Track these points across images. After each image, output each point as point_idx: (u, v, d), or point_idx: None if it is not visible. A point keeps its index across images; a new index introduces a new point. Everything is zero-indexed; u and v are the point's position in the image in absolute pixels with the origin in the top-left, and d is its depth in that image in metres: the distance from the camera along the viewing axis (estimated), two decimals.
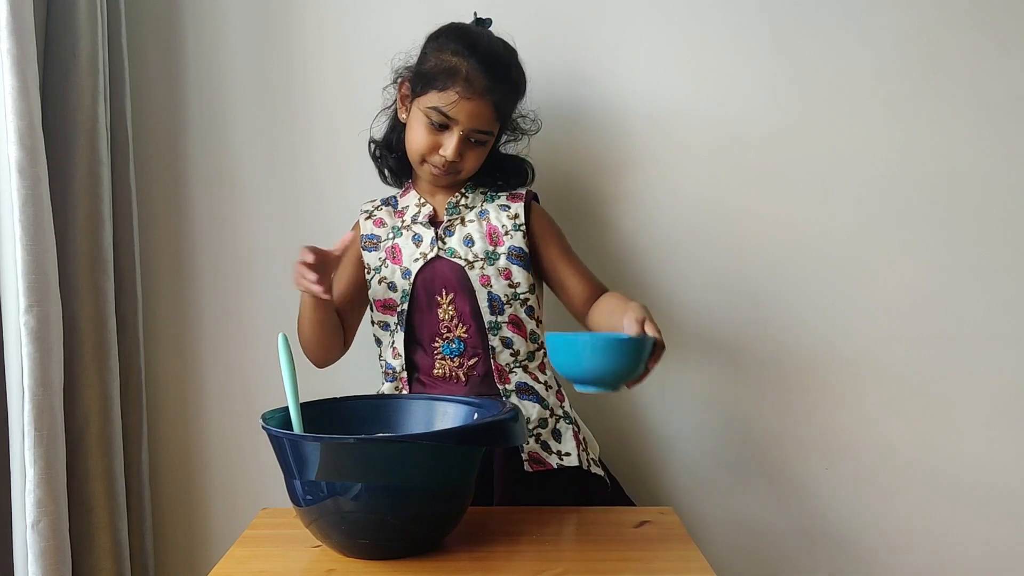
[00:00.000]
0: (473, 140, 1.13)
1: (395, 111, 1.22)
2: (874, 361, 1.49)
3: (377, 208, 1.25)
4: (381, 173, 1.28)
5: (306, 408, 0.97)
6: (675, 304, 1.49)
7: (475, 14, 1.21)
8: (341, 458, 0.84)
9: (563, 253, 1.21)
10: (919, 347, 1.49)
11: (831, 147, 1.47)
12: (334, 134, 1.47)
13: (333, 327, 1.18)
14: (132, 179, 1.41)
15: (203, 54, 1.47)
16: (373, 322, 1.21)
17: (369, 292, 1.21)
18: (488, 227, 1.17)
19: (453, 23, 1.19)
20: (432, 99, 1.11)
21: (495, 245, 1.16)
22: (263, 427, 0.90)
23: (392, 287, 1.17)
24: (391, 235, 1.20)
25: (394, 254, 1.18)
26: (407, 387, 1.18)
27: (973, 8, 1.45)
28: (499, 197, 1.21)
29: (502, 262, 1.15)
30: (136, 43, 1.45)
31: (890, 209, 1.47)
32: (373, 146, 1.27)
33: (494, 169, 1.23)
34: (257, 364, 1.49)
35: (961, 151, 1.47)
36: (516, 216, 1.17)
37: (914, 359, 1.49)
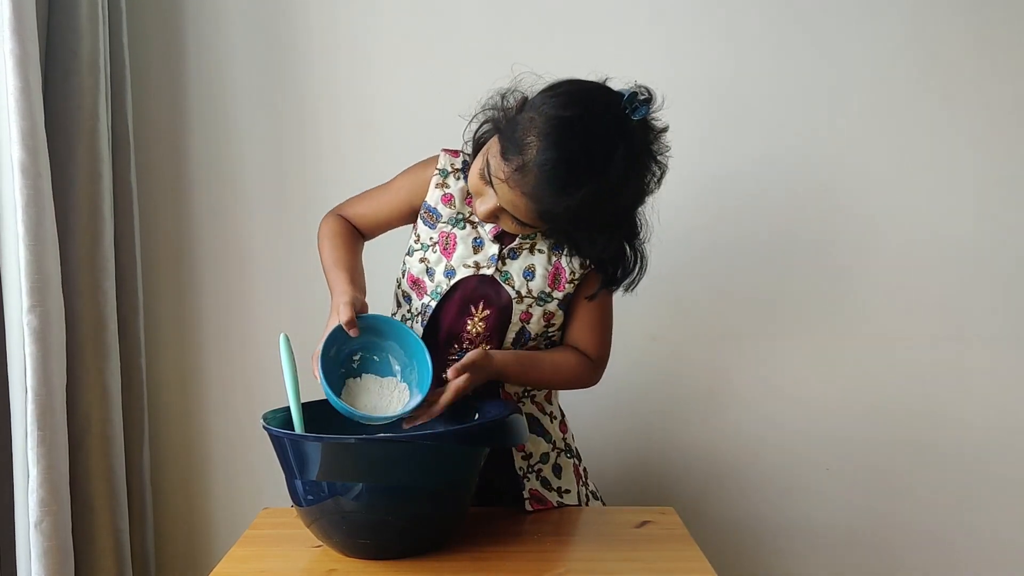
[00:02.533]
0: (513, 216, 0.97)
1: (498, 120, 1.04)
2: (875, 361, 1.49)
3: (454, 173, 1.09)
4: (474, 153, 1.08)
5: (307, 408, 0.97)
6: (675, 305, 1.49)
7: (635, 93, 0.94)
8: (342, 458, 0.85)
9: (587, 321, 1.10)
10: (920, 347, 1.49)
11: (831, 147, 1.47)
12: (335, 133, 1.47)
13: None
14: (133, 179, 1.41)
15: (204, 54, 1.47)
16: (399, 285, 1.14)
17: (405, 264, 1.12)
18: (556, 265, 1.06)
19: (581, 92, 0.95)
20: (494, 152, 0.95)
21: (553, 287, 1.06)
22: (264, 427, 0.90)
23: (430, 274, 1.08)
24: (452, 222, 1.08)
25: (447, 245, 1.07)
26: None
27: (973, 9, 1.45)
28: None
29: (552, 306, 1.06)
30: (137, 43, 1.45)
31: (892, 209, 1.47)
32: (479, 127, 1.06)
33: (575, 243, 1.06)
34: (258, 364, 1.49)
35: (963, 151, 1.47)
36: (589, 265, 1.06)
37: (916, 359, 1.49)
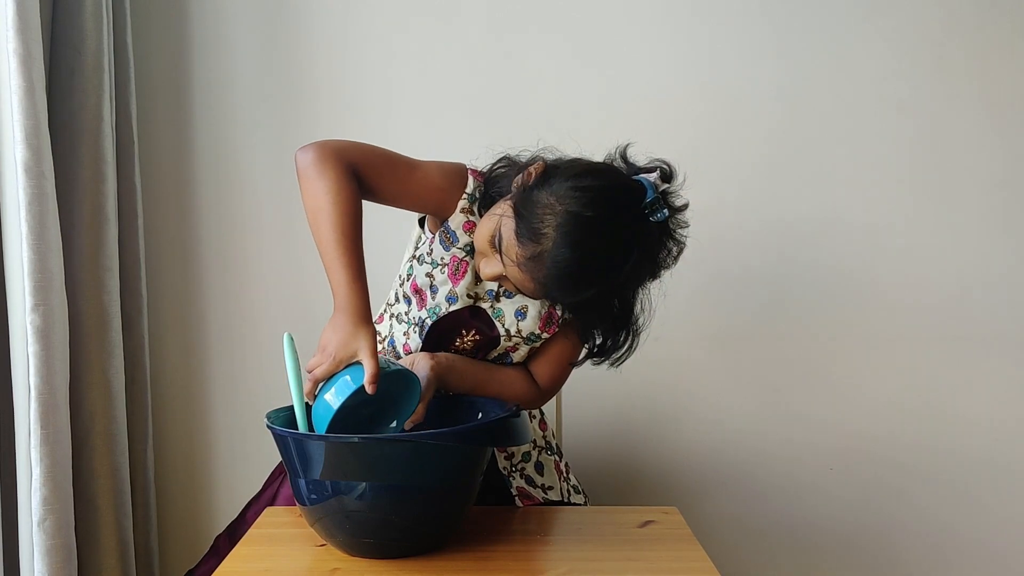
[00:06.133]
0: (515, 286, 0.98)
1: (517, 175, 1.01)
2: (877, 361, 1.49)
3: (477, 203, 1.06)
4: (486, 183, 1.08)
5: (310, 407, 0.97)
6: (677, 305, 1.49)
7: (662, 169, 0.96)
8: (345, 457, 0.85)
9: (553, 357, 1.10)
10: (923, 347, 1.48)
11: (832, 147, 1.47)
12: (339, 133, 1.47)
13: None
14: (137, 178, 1.41)
15: (208, 54, 1.47)
16: (401, 283, 1.12)
17: (412, 269, 1.10)
18: (550, 310, 1.06)
19: (606, 188, 0.93)
20: (508, 226, 0.93)
21: (543, 331, 1.07)
22: (268, 426, 0.90)
23: (433, 291, 1.07)
24: (467, 249, 1.06)
25: (456, 271, 1.06)
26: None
27: (980, 7, 1.44)
28: None
29: (538, 344, 1.08)
30: (141, 43, 1.45)
31: (893, 208, 1.47)
32: (498, 163, 1.07)
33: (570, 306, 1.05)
34: (261, 363, 1.49)
35: (968, 150, 1.46)
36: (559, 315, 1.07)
37: (918, 359, 1.49)
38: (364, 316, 0.93)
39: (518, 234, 0.91)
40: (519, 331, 1.06)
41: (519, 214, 0.92)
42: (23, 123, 1.11)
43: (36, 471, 1.12)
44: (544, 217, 0.90)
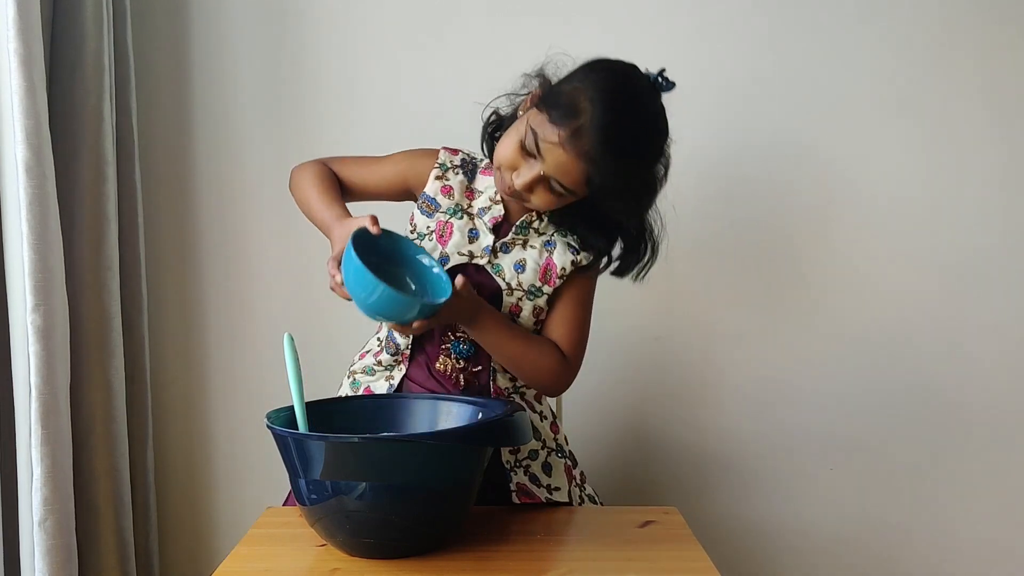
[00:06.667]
0: (551, 187, 1.00)
1: (520, 104, 1.08)
2: (877, 362, 1.49)
3: (454, 169, 1.12)
4: (482, 144, 1.15)
5: (311, 407, 0.97)
6: (678, 305, 1.49)
7: (662, 72, 1.00)
8: (346, 457, 0.85)
9: (568, 316, 1.11)
10: (924, 347, 1.49)
11: (832, 147, 1.47)
12: (339, 132, 1.48)
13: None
14: (138, 178, 1.42)
15: (208, 53, 1.47)
16: None
17: None
18: (547, 261, 1.08)
19: (621, 66, 1.00)
20: (539, 121, 0.97)
21: (544, 283, 1.08)
22: (268, 426, 0.90)
23: None
24: (450, 212, 1.10)
25: (443, 233, 1.09)
26: (406, 364, 1.12)
27: (982, 6, 1.44)
28: (572, 236, 1.10)
29: (542, 301, 1.08)
30: (142, 43, 1.45)
31: (894, 208, 1.47)
32: (492, 115, 1.13)
33: (589, 226, 1.08)
34: (262, 363, 1.49)
35: (970, 150, 1.46)
36: (580, 264, 1.09)
37: (919, 359, 1.49)
38: (345, 214, 1.04)
39: (552, 120, 0.95)
40: (519, 284, 1.07)
41: (548, 105, 0.97)
42: (24, 123, 1.11)
43: (37, 471, 1.12)
44: (575, 96, 0.95)
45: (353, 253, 0.90)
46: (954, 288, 1.48)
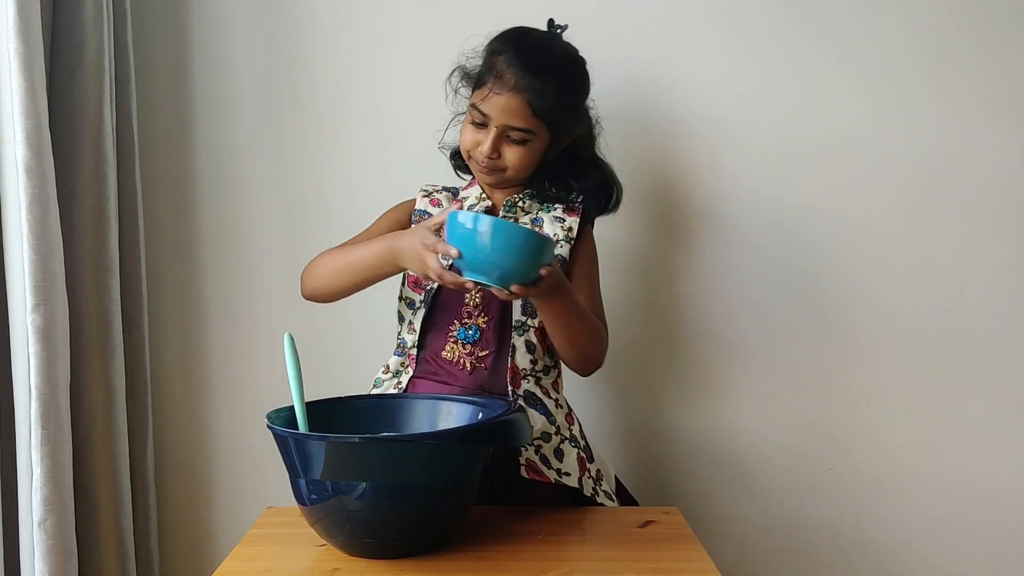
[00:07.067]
0: (512, 138, 1.11)
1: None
2: (879, 361, 1.49)
3: (437, 191, 1.24)
4: (456, 172, 1.28)
5: (311, 407, 0.97)
6: (678, 305, 1.49)
7: (551, 21, 1.17)
8: (346, 457, 0.85)
9: (586, 278, 1.18)
10: (926, 348, 1.48)
11: (833, 147, 1.46)
12: (340, 133, 1.48)
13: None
14: (138, 179, 1.42)
15: (209, 54, 1.47)
16: (401, 297, 1.19)
17: (403, 276, 1.18)
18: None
19: (516, 27, 1.15)
20: (474, 96, 1.12)
21: None
22: (268, 426, 0.90)
23: None
24: None
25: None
26: (413, 364, 1.15)
27: (981, 6, 1.44)
28: (555, 209, 1.19)
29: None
30: (142, 43, 1.45)
31: (894, 208, 1.47)
32: (449, 152, 1.28)
33: (569, 175, 1.19)
34: (262, 363, 1.49)
35: (970, 150, 1.46)
36: (570, 229, 1.16)
37: (921, 360, 1.49)
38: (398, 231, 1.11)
39: (480, 84, 1.10)
40: None
41: (473, 80, 1.13)
42: (24, 123, 1.11)
43: (37, 471, 1.12)
44: (488, 58, 1.11)
45: (477, 215, 0.92)
46: (954, 290, 1.47)
